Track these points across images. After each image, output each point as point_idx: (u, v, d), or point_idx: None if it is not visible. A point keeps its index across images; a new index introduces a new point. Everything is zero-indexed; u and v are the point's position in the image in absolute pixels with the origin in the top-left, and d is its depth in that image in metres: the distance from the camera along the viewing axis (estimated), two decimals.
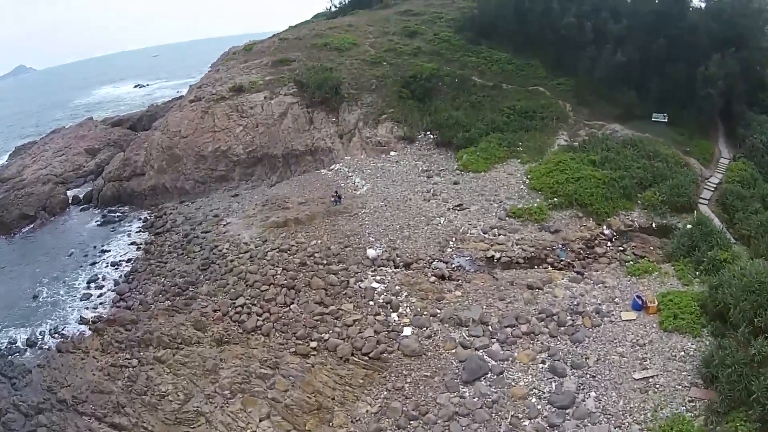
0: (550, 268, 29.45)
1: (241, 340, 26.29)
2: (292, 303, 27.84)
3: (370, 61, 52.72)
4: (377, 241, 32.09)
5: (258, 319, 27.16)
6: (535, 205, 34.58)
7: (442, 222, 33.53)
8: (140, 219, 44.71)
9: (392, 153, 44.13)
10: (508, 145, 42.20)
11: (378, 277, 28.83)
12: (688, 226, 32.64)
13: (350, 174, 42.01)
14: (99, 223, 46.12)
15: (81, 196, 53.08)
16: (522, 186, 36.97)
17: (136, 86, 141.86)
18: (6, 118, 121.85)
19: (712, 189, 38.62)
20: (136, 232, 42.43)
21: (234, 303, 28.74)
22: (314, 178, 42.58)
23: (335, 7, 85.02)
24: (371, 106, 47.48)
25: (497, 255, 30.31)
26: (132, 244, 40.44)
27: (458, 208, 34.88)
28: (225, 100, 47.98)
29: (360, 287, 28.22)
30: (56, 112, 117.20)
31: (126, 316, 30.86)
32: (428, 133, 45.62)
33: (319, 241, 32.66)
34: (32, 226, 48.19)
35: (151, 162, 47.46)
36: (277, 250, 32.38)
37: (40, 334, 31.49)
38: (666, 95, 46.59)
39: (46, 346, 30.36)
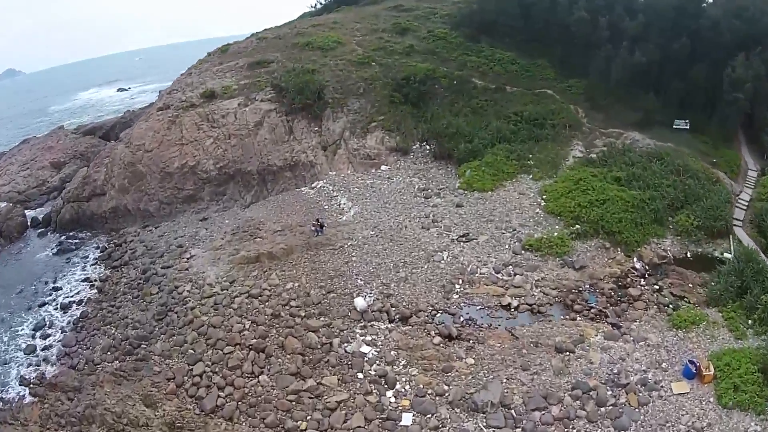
0: (578, 319, 23.78)
1: (197, 426, 20.37)
2: (261, 373, 21.91)
3: (358, 61, 46.85)
4: (367, 284, 26.22)
5: (219, 396, 21.24)
6: (555, 234, 28.89)
7: (445, 258, 27.76)
8: (98, 247, 38.67)
9: (383, 168, 38.27)
10: (518, 158, 36.50)
11: (368, 337, 22.90)
12: (726, 254, 27.44)
13: (335, 193, 36.17)
14: (54, 251, 40.02)
15: (40, 218, 46.87)
16: (537, 209, 31.26)
17: (119, 90, 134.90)
18: None
19: (744, 207, 33.25)
20: (92, 265, 36.42)
21: (191, 370, 22.84)
22: (293, 199, 36.73)
23: (320, 3, 79.44)
24: (359, 113, 41.62)
25: (514, 302, 24.58)
26: (85, 280, 34.44)
27: (464, 239, 29.14)
28: (195, 107, 42.00)
29: (346, 352, 22.29)
30: (33, 120, 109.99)
31: (68, 381, 25.02)
32: (424, 143, 39.76)
33: (297, 284, 26.78)
34: None
35: (112, 180, 41.40)
36: (246, 294, 26.52)
37: None
38: (687, 98, 41.11)
39: None
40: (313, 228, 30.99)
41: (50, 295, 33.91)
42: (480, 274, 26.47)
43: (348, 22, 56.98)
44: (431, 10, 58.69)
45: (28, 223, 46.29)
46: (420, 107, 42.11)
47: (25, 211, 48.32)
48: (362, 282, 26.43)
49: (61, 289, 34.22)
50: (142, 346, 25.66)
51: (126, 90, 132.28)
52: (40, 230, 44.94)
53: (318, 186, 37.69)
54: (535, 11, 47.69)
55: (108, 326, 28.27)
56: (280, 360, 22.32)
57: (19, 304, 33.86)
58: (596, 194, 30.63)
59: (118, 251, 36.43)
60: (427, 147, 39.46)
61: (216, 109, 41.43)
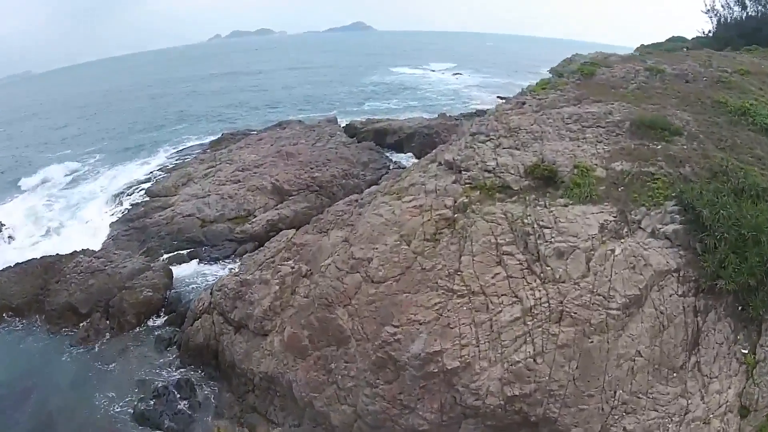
0: None
1: None
2: None
3: None
4: None
5: None
6: None
7: None
8: None
9: None
10: None
11: None
12: None
13: None
14: (141, 408, 25.05)
15: (184, 300, 33.43)
16: None
17: (455, 75, 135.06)
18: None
19: None
20: None
21: None
22: None
23: (710, 32, 58.04)
24: None
25: None
26: None
27: None
28: (504, 198, 23.16)
29: None
30: (340, 88, 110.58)
31: None
32: None
33: None
34: (71, 333, 31.89)
35: (284, 316, 24.15)
36: None
37: None
38: None
39: None
40: None
41: None
42: None
43: None
44: None
45: (164, 304, 33.18)
46: None
47: (176, 269, 36.10)
48: None
49: None
50: None
51: (459, 75, 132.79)
52: (163, 330, 31.18)
53: None
54: None
55: None
56: None
57: None
58: None
59: None
60: None
61: (549, 221, 21.10)
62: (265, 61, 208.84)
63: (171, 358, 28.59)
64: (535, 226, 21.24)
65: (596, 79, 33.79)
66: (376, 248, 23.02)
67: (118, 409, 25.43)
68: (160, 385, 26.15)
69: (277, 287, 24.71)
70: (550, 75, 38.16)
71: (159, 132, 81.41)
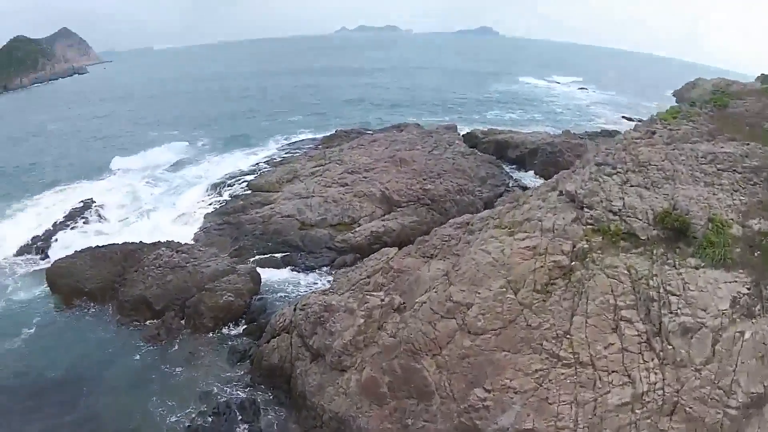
0: None
1: None
2: None
3: None
4: None
5: None
6: None
7: None
8: None
9: None
10: None
11: None
12: None
13: None
14: (197, 425, 22.95)
15: (268, 307, 31.38)
16: None
17: (580, 89, 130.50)
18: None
19: None
20: None
21: None
22: None
23: None
24: None
25: None
26: None
27: None
28: (625, 247, 20.54)
29: None
30: (464, 93, 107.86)
31: None
32: None
33: None
34: (141, 327, 30.52)
35: (366, 354, 21.38)
36: None
37: None
38: None
39: None
40: None
41: None
42: None
43: None
44: None
45: (246, 309, 31.21)
46: None
47: (266, 273, 34.74)
48: None
49: None
50: None
51: (584, 90, 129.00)
52: (239, 341, 29.12)
53: None
54: None
55: None
56: None
57: None
58: None
59: None
60: None
61: (677, 287, 18.17)
62: (390, 59, 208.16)
63: (241, 374, 26.39)
64: (661, 290, 17.93)
65: (730, 112, 30.48)
66: (479, 293, 19.85)
67: (174, 420, 23.57)
68: (222, 401, 24.08)
69: (362, 320, 21.84)
70: (674, 98, 34.11)
71: (271, 122, 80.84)
